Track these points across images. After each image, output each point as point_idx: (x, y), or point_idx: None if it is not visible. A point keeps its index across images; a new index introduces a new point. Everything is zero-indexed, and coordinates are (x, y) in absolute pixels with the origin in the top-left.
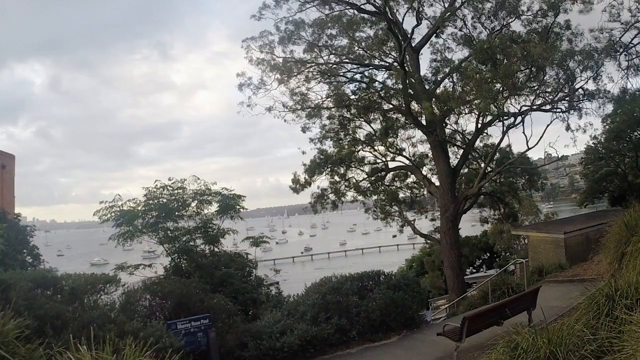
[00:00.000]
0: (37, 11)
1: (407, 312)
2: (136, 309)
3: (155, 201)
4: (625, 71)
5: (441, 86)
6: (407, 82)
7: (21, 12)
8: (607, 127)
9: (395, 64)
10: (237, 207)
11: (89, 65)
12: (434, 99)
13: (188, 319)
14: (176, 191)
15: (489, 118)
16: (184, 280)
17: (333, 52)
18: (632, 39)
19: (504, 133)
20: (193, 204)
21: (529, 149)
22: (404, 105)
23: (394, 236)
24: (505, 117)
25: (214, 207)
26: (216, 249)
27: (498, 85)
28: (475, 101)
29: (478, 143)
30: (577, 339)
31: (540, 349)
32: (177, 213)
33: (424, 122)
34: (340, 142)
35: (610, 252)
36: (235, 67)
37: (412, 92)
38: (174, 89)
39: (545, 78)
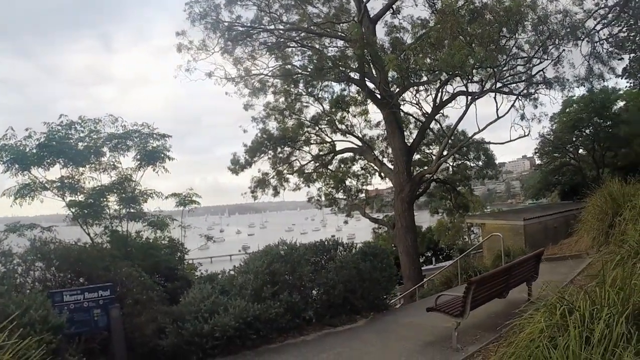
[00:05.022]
0: None
1: (375, 289)
2: (18, 275)
3: (59, 143)
4: (587, 57)
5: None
6: (364, 40)
7: None
8: (554, 126)
9: (354, 22)
10: (162, 155)
11: (30, 54)
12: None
13: (80, 288)
14: (88, 135)
15: (446, 97)
16: (85, 244)
17: (282, 23)
18: (595, 25)
19: (468, 106)
20: (106, 150)
21: (498, 117)
22: (357, 74)
23: (333, 236)
24: (472, 81)
25: (132, 154)
26: (133, 211)
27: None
28: (446, 54)
29: (434, 125)
30: None
31: (617, 306)
32: (89, 165)
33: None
34: (286, 121)
35: (593, 228)
36: (180, 63)
37: (369, 56)
38: (115, 82)
39: (516, 46)
